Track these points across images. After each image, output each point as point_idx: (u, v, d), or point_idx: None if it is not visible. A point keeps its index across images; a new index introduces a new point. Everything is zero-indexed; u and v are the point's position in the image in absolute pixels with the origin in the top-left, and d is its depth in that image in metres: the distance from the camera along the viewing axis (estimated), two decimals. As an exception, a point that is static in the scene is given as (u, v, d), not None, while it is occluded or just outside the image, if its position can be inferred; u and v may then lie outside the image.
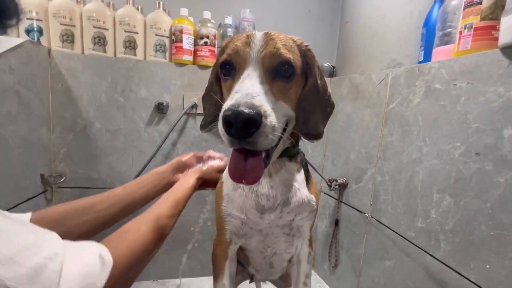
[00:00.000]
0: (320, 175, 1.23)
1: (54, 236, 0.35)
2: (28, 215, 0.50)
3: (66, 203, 0.57)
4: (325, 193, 1.36)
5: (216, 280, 0.61)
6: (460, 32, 0.74)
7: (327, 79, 1.34)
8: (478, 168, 0.67)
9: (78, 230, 0.52)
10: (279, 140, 0.46)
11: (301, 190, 0.56)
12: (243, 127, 0.37)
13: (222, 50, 0.51)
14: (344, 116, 1.23)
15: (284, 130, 0.47)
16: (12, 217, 0.33)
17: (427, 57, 0.90)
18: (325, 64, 1.38)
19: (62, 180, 1.13)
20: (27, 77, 0.96)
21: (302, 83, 0.50)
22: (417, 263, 0.83)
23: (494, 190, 0.63)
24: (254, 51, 0.43)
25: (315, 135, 0.50)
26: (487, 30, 0.67)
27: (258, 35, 0.46)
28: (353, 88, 1.18)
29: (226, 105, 0.39)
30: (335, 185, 1.19)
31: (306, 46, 0.51)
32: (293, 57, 0.46)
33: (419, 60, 0.95)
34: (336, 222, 1.25)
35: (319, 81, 0.50)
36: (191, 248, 1.30)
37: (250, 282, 0.83)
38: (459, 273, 0.71)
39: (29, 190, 1.01)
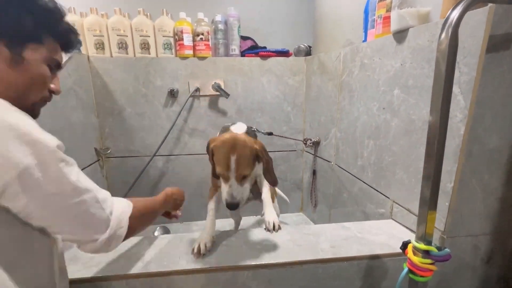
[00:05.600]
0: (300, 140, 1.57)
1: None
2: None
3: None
4: (307, 151, 1.70)
5: (209, 200, 0.97)
6: (376, 20, 1.01)
7: (303, 58, 1.63)
8: (384, 118, 0.98)
9: None
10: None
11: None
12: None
13: (213, 157, 0.75)
14: (316, 88, 1.53)
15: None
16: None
17: (366, 38, 1.17)
18: (302, 45, 1.65)
19: (108, 151, 1.57)
20: (78, 78, 1.36)
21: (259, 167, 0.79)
22: (357, 189, 1.18)
23: (390, 131, 0.95)
24: (232, 172, 0.70)
25: (272, 183, 0.80)
26: (389, 19, 0.94)
27: (232, 160, 0.70)
28: (320, 64, 1.47)
29: (224, 196, 0.72)
30: (310, 143, 1.52)
31: (257, 150, 0.74)
32: (249, 170, 0.72)
33: (363, 40, 1.22)
34: (314, 172, 1.60)
35: (266, 161, 0.76)
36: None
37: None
38: (376, 190, 1.05)
39: (88, 159, 1.44)
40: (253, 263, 0.71)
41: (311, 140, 1.53)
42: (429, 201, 0.53)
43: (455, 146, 0.69)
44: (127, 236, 0.58)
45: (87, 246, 0.52)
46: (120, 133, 1.58)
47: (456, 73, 0.68)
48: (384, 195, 1.01)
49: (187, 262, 0.72)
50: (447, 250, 0.53)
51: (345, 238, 0.83)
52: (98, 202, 0.51)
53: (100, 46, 1.48)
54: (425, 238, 0.55)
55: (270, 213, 0.82)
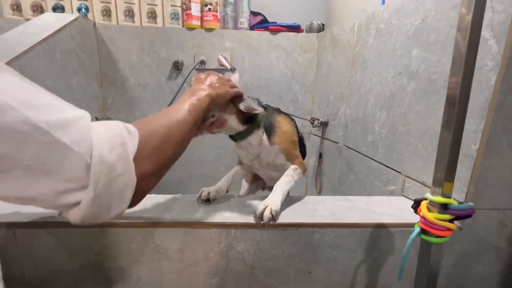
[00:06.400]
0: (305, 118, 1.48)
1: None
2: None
3: None
4: (314, 134, 1.61)
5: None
6: (396, -22, 0.92)
7: (314, 35, 1.54)
8: (399, 84, 0.88)
9: None
10: None
11: (264, 145, 0.74)
12: None
13: None
14: (326, 65, 1.44)
15: None
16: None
17: (384, 0, 1.08)
18: (315, 22, 1.57)
19: (109, 122, 1.53)
20: (82, 42, 1.33)
21: None
22: (366, 168, 1.08)
23: (406, 98, 0.85)
24: None
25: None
26: (410, -26, 0.85)
27: None
28: (332, 39, 1.38)
29: None
30: (317, 123, 1.43)
31: None
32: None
33: (381, 3, 1.12)
34: (320, 155, 1.51)
35: None
36: (205, 180, 1.67)
37: (263, 190, 1.03)
38: (387, 166, 0.95)
39: (89, 127, 1.42)
40: (242, 221, 0.64)
41: (318, 119, 1.44)
42: (446, 169, 0.43)
43: (484, 100, 0.59)
44: (145, 186, 0.33)
45: (68, 213, 0.31)
46: (122, 104, 1.54)
47: (488, 14, 0.59)
48: (395, 170, 0.91)
49: (171, 216, 0.65)
50: (470, 203, 0.44)
51: (349, 208, 0.74)
52: (51, 130, 0.27)
53: (107, 13, 1.46)
54: (442, 192, 0.46)
55: (269, 200, 0.65)
